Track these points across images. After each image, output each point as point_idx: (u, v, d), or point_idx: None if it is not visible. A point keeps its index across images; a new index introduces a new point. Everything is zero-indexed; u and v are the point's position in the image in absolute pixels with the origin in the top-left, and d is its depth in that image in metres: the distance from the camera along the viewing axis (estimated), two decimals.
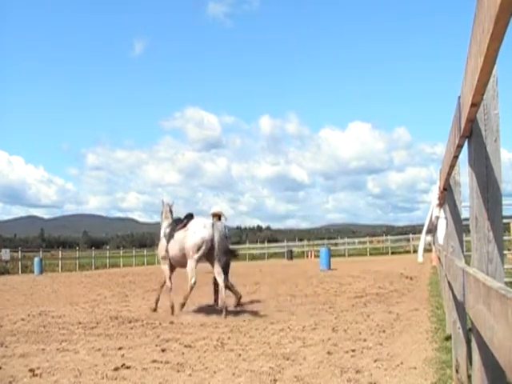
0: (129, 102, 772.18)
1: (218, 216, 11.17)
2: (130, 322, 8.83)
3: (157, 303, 10.24)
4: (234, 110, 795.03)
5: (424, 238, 6.32)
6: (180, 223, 10.06)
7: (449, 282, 4.57)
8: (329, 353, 5.94)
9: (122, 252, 46.18)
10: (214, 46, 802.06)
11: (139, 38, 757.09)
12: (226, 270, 10.33)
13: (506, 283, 2.22)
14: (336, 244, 45.53)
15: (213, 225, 9.85)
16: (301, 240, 53.22)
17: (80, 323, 8.87)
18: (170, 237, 9.96)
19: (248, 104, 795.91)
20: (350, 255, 42.01)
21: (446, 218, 4.86)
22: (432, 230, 8.22)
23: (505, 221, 13.42)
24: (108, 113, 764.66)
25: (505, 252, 10.52)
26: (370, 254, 41.96)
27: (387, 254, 41.41)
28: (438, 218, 5.28)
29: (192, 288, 9.70)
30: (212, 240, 9.60)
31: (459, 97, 2.31)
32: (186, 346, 6.60)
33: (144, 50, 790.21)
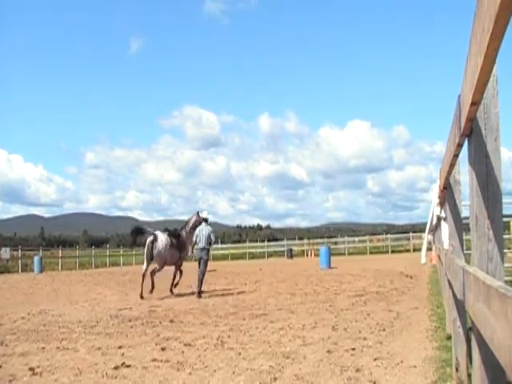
0: (127, 100, 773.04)
1: (204, 220, 13.53)
2: (129, 321, 8.84)
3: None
4: (233, 109, 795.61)
5: (427, 239, 6.28)
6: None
7: (449, 281, 4.57)
8: (329, 351, 5.94)
9: (121, 251, 46.15)
10: (212, 43, 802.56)
11: (136, 37, 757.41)
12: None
13: (506, 282, 2.22)
14: (336, 243, 45.51)
15: (154, 236, 13.23)
16: (301, 239, 53.19)
17: (80, 322, 8.88)
18: None
19: (247, 102, 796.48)
20: (350, 254, 42.01)
21: (445, 218, 4.86)
22: (433, 229, 8.21)
23: (505, 219, 13.42)
24: (106, 112, 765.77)
25: (505, 251, 10.51)
26: (370, 253, 41.97)
27: (387, 252, 41.43)
28: (438, 216, 5.28)
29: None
30: (151, 248, 13.07)
31: (459, 95, 2.31)
32: (185, 345, 6.60)
33: (141, 48, 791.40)
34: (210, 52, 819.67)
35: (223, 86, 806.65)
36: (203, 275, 12.75)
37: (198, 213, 14.24)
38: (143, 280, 12.77)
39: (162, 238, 13.22)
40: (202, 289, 12.94)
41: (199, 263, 12.84)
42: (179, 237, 13.62)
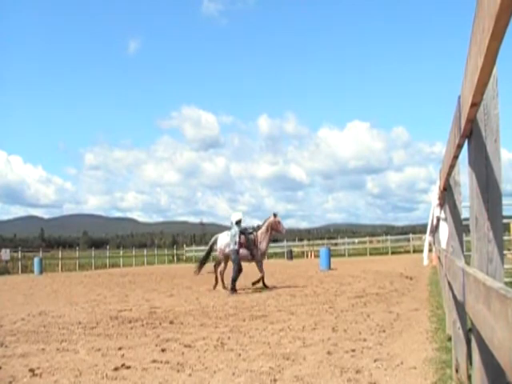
0: (126, 101, 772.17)
1: (236, 222, 14.29)
2: (129, 322, 8.83)
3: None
4: (232, 110, 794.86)
5: (427, 241, 6.29)
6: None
7: (449, 282, 4.56)
8: (329, 353, 5.94)
9: (121, 252, 46.16)
10: (211, 44, 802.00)
11: (134, 38, 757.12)
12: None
13: (506, 283, 2.22)
14: (336, 244, 45.49)
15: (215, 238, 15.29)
16: (301, 240, 53.16)
17: (80, 323, 8.87)
18: None
19: (246, 103, 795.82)
20: (349, 255, 41.99)
21: (445, 218, 4.86)
22: (434, 230, 8.21)
23: (505, 221, 13.41)
24: (105, 113, 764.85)
25: (505, 252, 10.49)
26: (370, 254, 41.93)
27: (387, 253, 41.39)
28: (438, 218, 5.28)
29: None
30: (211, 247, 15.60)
31: (459, 97, 2.31)
32: (185, 346, 6.59)
33: (139, 49, 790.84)
34: (209, 53, 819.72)
35: (222, 86, 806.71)
36: (235, 274, 13.70)
37: (274, 214, 15.24)
38: (215, 274, 14.95)
39: (223, 238, 14.82)
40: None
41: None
42: (251, 236, 14.73)
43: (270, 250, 46.97)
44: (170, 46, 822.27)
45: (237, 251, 13.93)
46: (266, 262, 39.49)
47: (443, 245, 4.90)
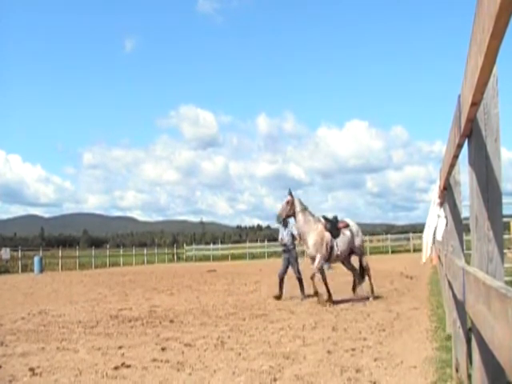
0: (124, 100, 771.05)
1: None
2: (129, 321, 8.84)
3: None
4: (231, 109, 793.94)
5: (427, 238, 6.33)
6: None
7: (449, 281, 4.57)
8: (329, 352, 5.94)
9: (121, 251, 46.18)
10: (208, 42, 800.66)
11: (130, 36, 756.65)
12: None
13: (506, 282, 2.22)
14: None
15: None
16: None
17: (80, 322, 8.87)
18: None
19: (245, 102, 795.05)
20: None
21: (445, 217, 4.87)
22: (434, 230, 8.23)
23: (505, 220, 13.41)
24: (103, 112, 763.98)
25: (505, 251, 10.48)
26: (370, 253, 41.81)
27: (387, 253, 41.41)
28: (438, 216, 5.28)
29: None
30: None
31: (459, 96, 2.31)
32: (185, 345, 6.60)
33: (135, 48, 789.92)
34: (206, 51, 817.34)
35: (220, 85, 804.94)
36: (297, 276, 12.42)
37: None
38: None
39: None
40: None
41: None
42: None
43: (269, 250, 47.06)
44: (167, 44, 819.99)
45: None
46: (264, 261, 39.67)
47: (439, 237, 4.99)
